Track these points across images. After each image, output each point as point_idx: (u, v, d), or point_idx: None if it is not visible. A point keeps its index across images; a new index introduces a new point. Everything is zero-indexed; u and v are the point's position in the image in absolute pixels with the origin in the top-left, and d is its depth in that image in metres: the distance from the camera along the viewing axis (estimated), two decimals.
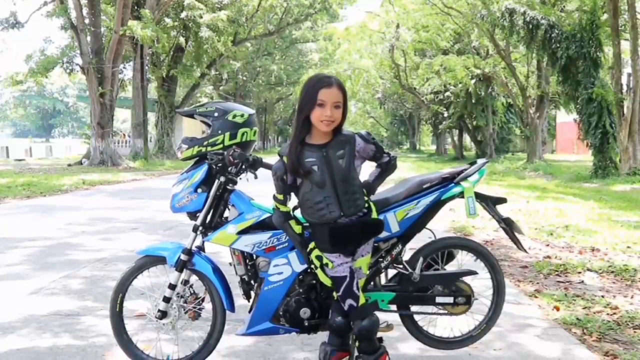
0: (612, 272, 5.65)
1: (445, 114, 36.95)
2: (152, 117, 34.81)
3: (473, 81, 31.34)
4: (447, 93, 34.75)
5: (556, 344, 3.75)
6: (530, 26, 20.01)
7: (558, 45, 19.25)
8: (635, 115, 17.26)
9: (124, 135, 38.61)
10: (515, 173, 22.04)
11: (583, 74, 18.78)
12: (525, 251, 3.66)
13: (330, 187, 2.70)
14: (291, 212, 2.85)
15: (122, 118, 61.05)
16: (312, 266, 2.85)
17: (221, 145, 3.04)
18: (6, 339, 3.79)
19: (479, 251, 3.37)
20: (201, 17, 27.55)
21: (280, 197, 2.82)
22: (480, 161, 3.32)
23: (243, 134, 3.08)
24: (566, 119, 34.40)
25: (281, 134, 69.21)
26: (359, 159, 2.81)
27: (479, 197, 3.25)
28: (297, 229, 2.85)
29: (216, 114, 3.07)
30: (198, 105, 3.22)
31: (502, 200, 3.38)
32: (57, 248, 6.88)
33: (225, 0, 28.77)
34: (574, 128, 23.30)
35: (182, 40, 29.95)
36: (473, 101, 33.54)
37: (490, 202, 3.31)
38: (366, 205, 2.82)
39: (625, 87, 18.77)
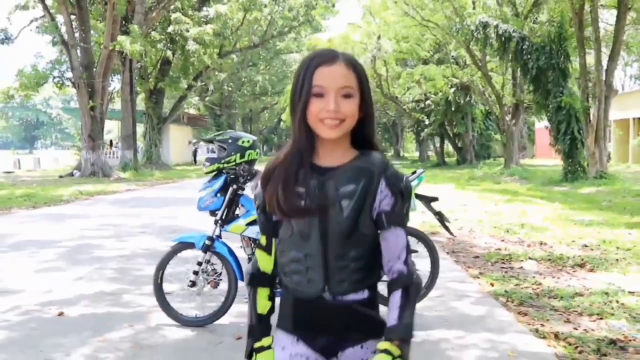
0: (549, 259, 6.65)
1: (427, 122, 38.00)
2: (139, 128, 35.41)
3: (452, 90, 32.53)
4: (428, 101, 35.94)
5: (484, 307, 4.88)
6: (503, 39, 21.00)
7: (529, 56, 20.29)
8: (600, 122, 18.40)
9: (110, 146, 39.13)
10: (492, 178, 23.05)
11: (553, 83, 19.83)
12: (453, 235, 5.14)
13: (317, 243, 1.61)
14: (268, 273, 1.76)
15: (107, 128, 61.35)
16: None
17: (234, 163, 4.33)
18: (72, 308, 4.91)
19: (420, 236, 4.53)
20: (188, 31, 28.45)
21: (263, 239, 1.75)
22: (419, 170, 4.55)
23: (249, 155, 4.36)
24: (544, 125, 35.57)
25: (266, 142, 70.15)
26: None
27: (418, 197, 4.48)
28: (262, 304, 1.76)
29: (230, 141, 4.37)
30: (217, 134, 4.60)
31: (435, 199, 4.60)
32: (82, 248, 7.85)
33: (211, 14, 29.60)
34: None
35: (169, 53, 30.85)
36: (453, 109, 34.71)
37: (426, 200, 4.52)
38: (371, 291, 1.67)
39: (591, 96, 19.82)
